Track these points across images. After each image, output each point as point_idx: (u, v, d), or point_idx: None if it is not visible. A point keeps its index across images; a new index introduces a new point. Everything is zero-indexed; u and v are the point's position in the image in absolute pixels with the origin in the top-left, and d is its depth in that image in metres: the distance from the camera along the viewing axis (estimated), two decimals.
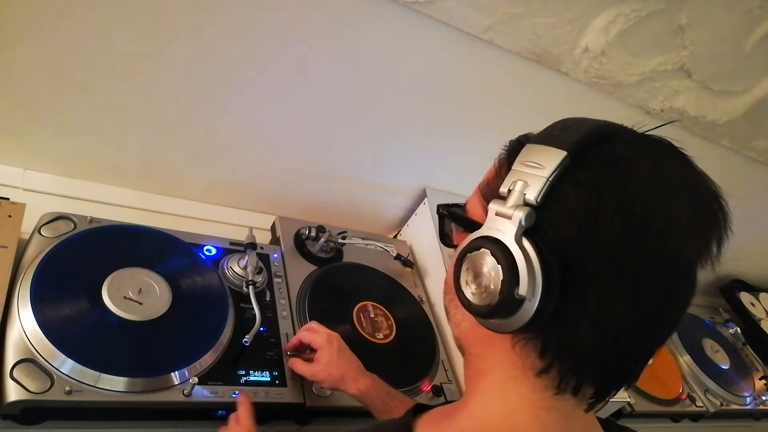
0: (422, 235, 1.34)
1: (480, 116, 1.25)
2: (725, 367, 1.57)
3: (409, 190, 1.38)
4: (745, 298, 1.85)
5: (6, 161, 1.04)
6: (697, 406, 1.41)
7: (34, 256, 0.85)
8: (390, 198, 1.39)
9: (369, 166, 1.31)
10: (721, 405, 1.45)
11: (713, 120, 1.35)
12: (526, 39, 1.06)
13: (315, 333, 0.90)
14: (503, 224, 0.43)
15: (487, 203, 0.46)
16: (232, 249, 1.06)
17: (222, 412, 0.84)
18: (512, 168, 0.45)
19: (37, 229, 0.89)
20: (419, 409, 0.54)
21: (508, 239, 0.43)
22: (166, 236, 1.00)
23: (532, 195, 0.43)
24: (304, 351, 0.93)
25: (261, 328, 0.94)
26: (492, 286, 0.43)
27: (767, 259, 1.97)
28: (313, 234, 1.16)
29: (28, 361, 0.73)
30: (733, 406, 1.48)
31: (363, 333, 1.06)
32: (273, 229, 1.22)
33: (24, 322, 0.76)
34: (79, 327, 0.79)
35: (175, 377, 0.81)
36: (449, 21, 1.00)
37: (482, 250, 0.44)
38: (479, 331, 0.48)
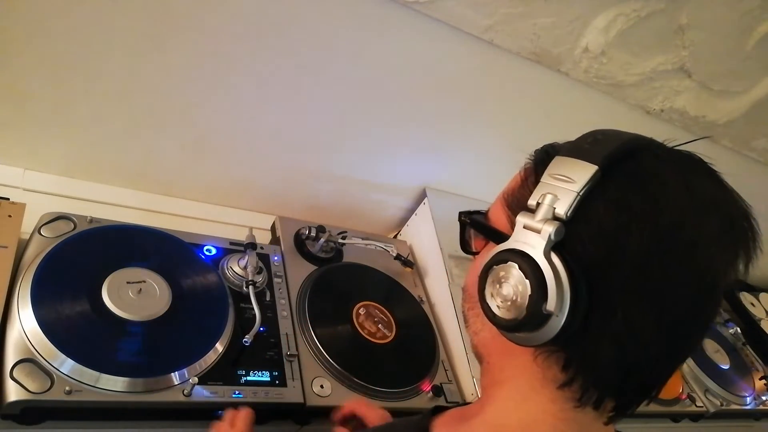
0: (422, 235, 1.34)
1: (480, 116, 1.25)
2: (725, 367, 1.57)
3: (409, 190, 1.38)
4: (745, 298, 1.85)
5: (6, 161, 1.04)
6: (697, 406, 1.41)
7: (34, 256, 0.85)
8: (390, 198, 1.39)
9: (369, 166, 1.31)
10: (721, 405, 1.44)
11: (713, 120, 1.35)
12: (526, 39, 1.06)
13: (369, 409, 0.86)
14: (532, 238, 0.43)
15: (513, 214, 0.46)
16: (232, 249, 1.06)
17: (222, 412, 0.84)
18: (541, 180, 0.45)
19: (37, 229, 0.89)
20: (437, 410, 0.55)
21: (537, 253, 0.42)
22: (166, 236, 1.00)
23: (562, 209, 0.42)
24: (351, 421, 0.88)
25: (261, 328, 0.94)
26: (519, 300, 0.43)
27: (767, 259, 1.97)
28: (313, 234, 1.16)
29: (28, 361, 0.73)
30: (733, 406, 1.47)
31: (363, 333, 1.06)
32: (273, 229, 1.22)
33: (24, 322, 0.76)
34: (79, 327, 0.79)
35: (175, 377, 0.81)
36: (449, 21, 1.00)
37: (509, 263, 0.44)
38: (500, 342, 0.48)
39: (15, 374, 0.71)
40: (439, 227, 1.29)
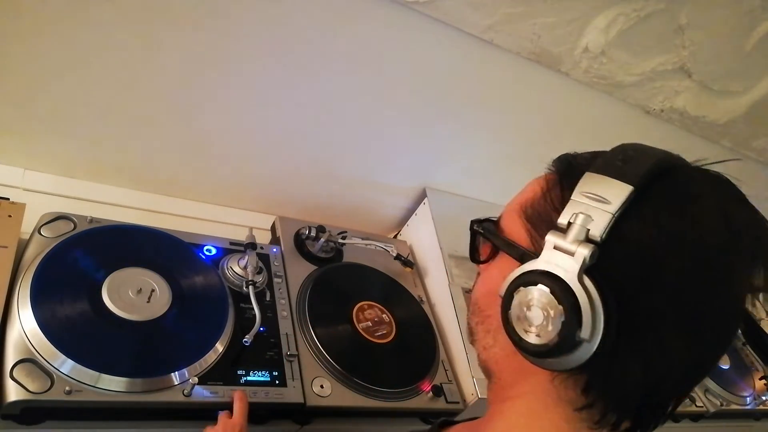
0: (422, 235, 1.34)
1: (480, 116, 1.25)
2: (725, 367, 1.57)
3: (409, 190, 1.38)
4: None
5: (6, 161, 1.04)
6: (697, 406, 1.40)
7: (34, 256, 0.85)
8: (390, 198, 1.39)
9: (369, 166, 1.31)
10: (721, 405, 1.44)
11: (713, 120, 1.35)
12: (526, 39, 1.06)
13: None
14: (564, 260, 0.41)
15: (535, 229, 0.45)
16: (232, 249, 1.06)
17: (222, 412, 0.84)
18: (572, 198, 0.42)
19: (37, 229, 0.89)
20: (445, 424, 0.54)
21: (570, 277, 0.40)
22: (166, 236, 1.00)
23: (597, 231, 0.40)
24: None
25: (261, 328, 0.94)
26: (550, 327, 0.41)
27: None
28: (313, 234, 1.16)
29: (28, 361, 0.73)
30: (733, 406, 1.47)
31: (363, 333, 1.06)
32: (273, 229, 1.22)
33: (24, 322, 0.76)
34: (79, 327, 0.79)
35: (175, 377, 0.81)
36: (449, 21, 1.00)
37: (540, 285, 0.41)
38: (515, 361, 0.46)
39: (15, 374, 0.71)
40: (439, 227, 1.29)
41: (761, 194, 1.66)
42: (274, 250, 1.12)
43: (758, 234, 0.43)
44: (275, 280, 1.06)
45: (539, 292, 0.41)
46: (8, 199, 0.89)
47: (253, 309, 0.95)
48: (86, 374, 0.75)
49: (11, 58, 0.90)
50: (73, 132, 1.04)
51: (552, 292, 0.41)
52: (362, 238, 1.23)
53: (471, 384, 1.07)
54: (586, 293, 0.40)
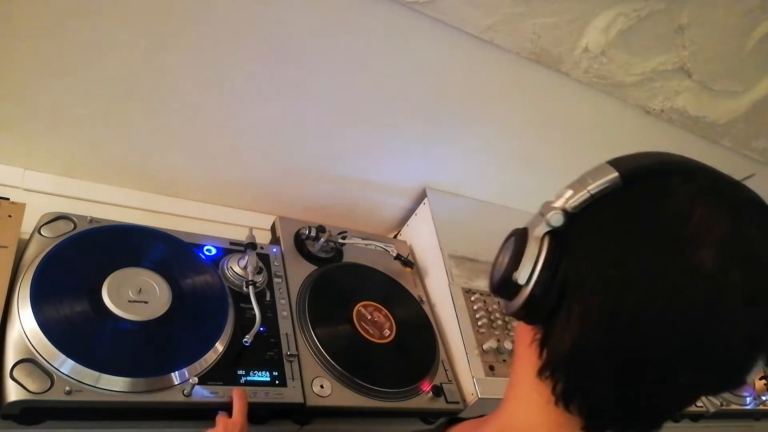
0: (422, 235, 1.34)
1: (480, 116, 1.25)
2: None
3: (409, 190, 1.38)
4: None
5: (6, 161, 1.04)
6: (697, 406, 1.40)
7: (34, 256, 0.85)
8: (390, 198, 1.39)
9: (369, 166, 1.31)
10: (721, 405, 1.44)
11: (713, 120, 1.35)
12: (526, 39, 1.06)
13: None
14: (537, 220, 0.46)
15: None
16: (232, 249, 1.06)
17: (222, 412, 0.84)
18: (577, 179, 0.46)
19: (37, 229, 0.89)
20: (451, 422, 0.56)
21: (531, 232, 0.45)
22: (166, 236, 1.00)
23: (570, 203, 0.44)
24: None
25: (261, 328, 0.94)
26: (501, 268, 0.47)
27: None
28: (313, 234, 1.16)
29: (28, 361, 0.73)
30: (733, 406, 1.47)
31: (363, 333, 1.06)
32: (273, 229, 1.22)
33: (24, 322, 0.76)
34: (79, 327, 0.79)
35: (175, 377, 0.81)
36: (449, 21, 1.00)
37: (512, 238, 0.48)
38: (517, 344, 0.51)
39: (15, 374, 0.71)
40: (439, 227, 1.29)
41: (762, 194, 1.66)
42: (274, 250, 1.12)
43: (719, 235, 0.40)
44: (275, 280, 1.06)
45: (509, 242, 0.48)
46: (8, 199, 0.89)
47: (253, 309, 0.95)
48: (86, 374, 0.75)
49: (11, 58, 0.90)
50: (73, 132, 1.04)
51: (513, 240, 0.47)
52: (362, 238, 1.23)
53: (471, 384, 1.07)
54: (536, 245, 0.45)
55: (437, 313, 1.22)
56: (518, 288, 0.45)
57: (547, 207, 0.45)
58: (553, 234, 0.45)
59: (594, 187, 0.43)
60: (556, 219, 0.44)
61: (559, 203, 0.45)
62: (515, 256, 0.45)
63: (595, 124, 1.31)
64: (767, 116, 1.38)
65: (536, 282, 0.44)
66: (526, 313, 0.45)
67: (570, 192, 0.45)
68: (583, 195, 0.44)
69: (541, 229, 0.45)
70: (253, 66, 1.02)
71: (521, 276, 0.44)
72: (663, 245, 0.41)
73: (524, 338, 0.49)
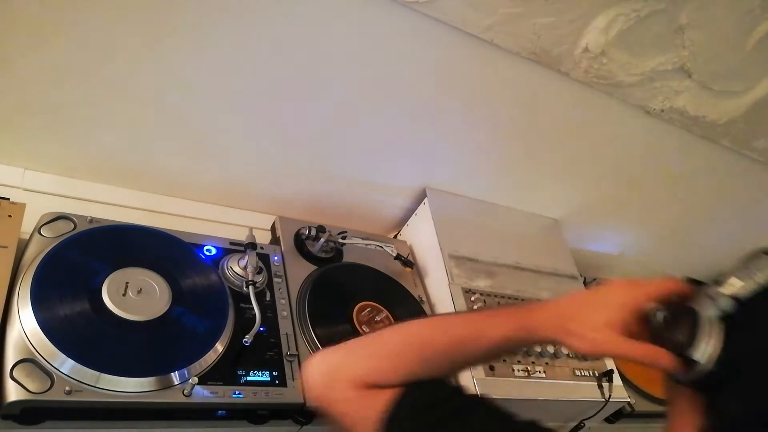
0: (422, 235, 1.34)
1: (480, 116, 1.25)
2: None
3: (409, 190, 1.38)
4: None
5: (6, 161, 1.04)
6: None
7: (34, 256, 0.85)
8: (390, 198, 1.39)
9: (369, 166, 1.31)
10: None
11: (713, 120, 1.35)
12: (526, 39, 1.06)
13: None
14: (706, 302, 0.52)
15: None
16: (232, 249, 1.06)
17: (222, 412, 0.84)
18: (742, 266, 0.52)
19: (37, 229, 0.89)
20: None
21: (702, 313, 0.51)
22: (166, 236, 1.00)
23: (740, 291, 0.49)
24: None
25: (261, 328, 0.94)
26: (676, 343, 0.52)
27: None
28: (313, 234, 1.16)
29: (28, 361, 0.73)
30: None
31: (363, 333, 1.06)
32: (273, 229, 1.22)
33: (24, 322, 0.76)
34: (79, 327, 0.79)
35: (175, 377, 0.81)
36: (449, 21, 1.00)
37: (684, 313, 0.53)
38: None
39: (15, 374, 0.71)
40: (439, 227, 1.29)
41: (762, 194, 1.66)
42: (276, 258, 1.11)
43: None
44: (275, 280, 1.06)
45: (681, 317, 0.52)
46: (8, 199, 0.89)
47: (253, 309, 0.95)
48: (86, 374, 0.75)
49: (11, 58, 0.90)
50: (73, 132, 1.04)
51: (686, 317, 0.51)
52: (362, 238, 1.23)
53: (471, 384, 1.07)
54: (709, 326, 0.49)
55: (437, 313, 1.22)
56: (693, 363, 0.49)
57: (714, 291, 0.51)
58: (723, 317, 0.50)
59: (761, 277, 0.49)
60: (727, 303, 0.50)
61: (726, 290, 0.50)
62: (691, 333, 0.50)
63: (595, 124, 1.31)
64: (767, 116, 1.38)
65: (709, 358, 0.48)
66: (698, 386, 0.50)
67: (735, 280, 0.50)
68: (750, 284, 0.49)
69: (713, 312, 0.50)
70: (252, 67, 1.02)
71: (698, 354, 0.49)
72: None
73: (686, 402, 0.53)
